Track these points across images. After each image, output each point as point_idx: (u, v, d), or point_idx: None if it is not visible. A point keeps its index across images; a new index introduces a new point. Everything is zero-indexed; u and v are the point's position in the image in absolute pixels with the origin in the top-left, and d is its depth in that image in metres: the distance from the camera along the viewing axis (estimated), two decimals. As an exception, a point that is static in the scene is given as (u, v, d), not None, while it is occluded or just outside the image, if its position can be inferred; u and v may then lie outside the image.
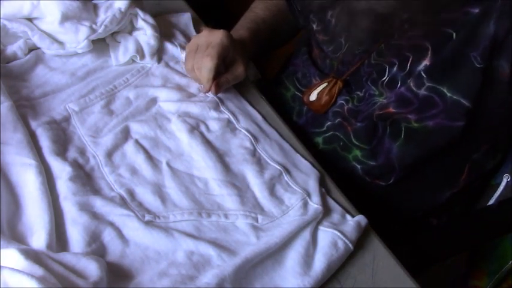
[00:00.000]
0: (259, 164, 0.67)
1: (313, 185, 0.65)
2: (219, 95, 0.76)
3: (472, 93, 0.64)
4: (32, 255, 0.49)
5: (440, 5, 0.62)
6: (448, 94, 0.66)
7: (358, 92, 0.75)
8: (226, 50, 0.73)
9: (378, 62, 0.70)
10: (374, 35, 0.66)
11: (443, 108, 0.67)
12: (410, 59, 0.67)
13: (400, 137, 0.72)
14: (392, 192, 0.78)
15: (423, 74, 0.66)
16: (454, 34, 0.62)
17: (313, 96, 0.78)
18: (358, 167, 0.76)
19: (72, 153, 0.66)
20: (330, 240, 0.58)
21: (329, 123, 0.78)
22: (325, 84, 0.77)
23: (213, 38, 0.73)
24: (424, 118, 0.69)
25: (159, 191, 0.63)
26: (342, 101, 0.76)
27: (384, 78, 0.70)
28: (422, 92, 0.67)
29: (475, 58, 0.63)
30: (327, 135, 0.78)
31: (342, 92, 0.76)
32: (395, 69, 0.68)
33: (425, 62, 0.66)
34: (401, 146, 0.73)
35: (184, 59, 0.77)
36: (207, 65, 0.71)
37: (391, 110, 0.70)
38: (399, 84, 0.69)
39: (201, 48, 0.73)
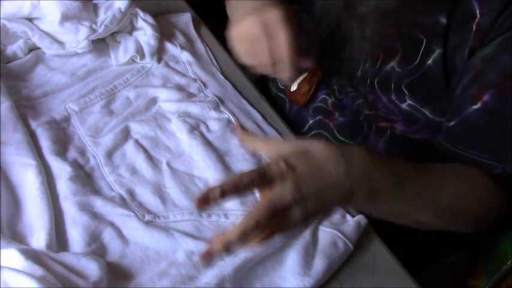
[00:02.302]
0: (259, 164, 0.67)
1: (313, 185, 0.65)
2: (219, 94, 0.76)
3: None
4: (32, 255, 0.49)
5: (413, 6, 0.61)
6: (431, 116, 0.66)
7: (335, 86, 0.74)
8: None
9: (355, 56, 0.70)
10: (350, 30, 0.65)
11: (425, 123, 0.67)
12: (381, 58, 0.66)
13: (386, 134, 0.72)
14: None
15: (405, 90, 0.66)
16: (424, 41, 0.61)
17: (294, 87, 0.78)
18: None
19: (72, 153, 0.66)
20: (330, 240, 0.58)
21: (311, 121, 0.77)
22: (305, 74, 0.77)
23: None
24: (409, 132, 0.70)
25: (159, 191, 0.63)
26: (324, 96, 0.76)
27: (357, 74, 0.70)
28: (404, 107, 0.67)
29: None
30: (308, 135, 0.78)
31: (321, 85, 0.76)
32: (367, 65, 0.68)
33: (393, 63, 0.65)
34: (388, 142, 0.73)
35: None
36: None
37: (381, 113, 0.71)
38: (368, 81, 0.68)
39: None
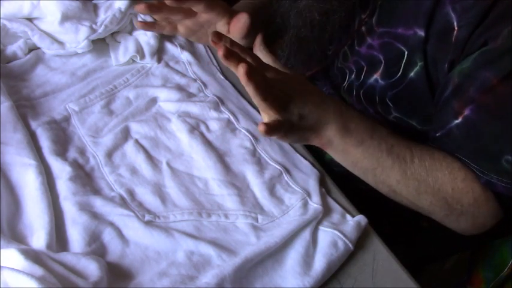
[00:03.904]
0: (259, 164, 0.67)
1: (313, 184, 0.65)
2: (219, 94, 0.76)
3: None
4: (32, 255, 0.50)
5: (396, 19, 0.61)
6: (419, 127, 0.66)
7: (326, 93, 0.74)
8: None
9: (342, 66, 0.70)
10: (335, 35, 0.66)
11: (415, 133, 0.66)
12: (365, 70, 0.66)
13: None
14: (375, 194, 0.77)
15: (389, 103, 0.66)
16: (406, 53, 0.61)
17: None
18: (335, 169, 0.75)
19: (72, 153, 0.66)
20: (330, 240, 0.58)
21: None
22: None
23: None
24: None
25: (159, 191, 0.63)
26: None
27: (344, 84, 0.70)
28: (391, 119, 0.67)
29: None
30: None
31: None
32: (353, 76, 0.68)
33: (377, 76, 0.65)
34: None
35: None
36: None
37: None
38: (354, 93, 0.69)
39: None
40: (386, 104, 0.66)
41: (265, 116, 0.55)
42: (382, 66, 0.64)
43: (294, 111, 0.54)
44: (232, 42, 0.53)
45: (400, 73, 0.63)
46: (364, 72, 0.66)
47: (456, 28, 0.56)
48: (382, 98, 0.66)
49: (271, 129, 0.52)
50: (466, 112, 0.56)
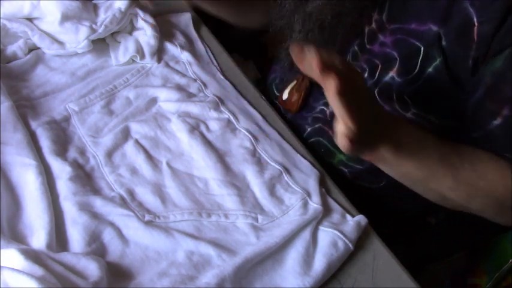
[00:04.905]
0: (259, 164, 0.67)
1: (313, 184, 0.65)
2: (219, 94, 0.76)
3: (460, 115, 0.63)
4: (32, 255, 0.50)
5: (408, 15, 0.61)
6: (437, 122, 0.66)
7: None
8: None
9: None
10: (345, 36, 0.65)
11: (431, 128, 0.66)
12: (379, 68, 0.66)
13: None
14: (386, 193, 0.77)
15: (408, 100, 0.65)
16: (422, 49, 0.60)
17: (285, 95, 0.78)
18: (345, 170, 0.75)
19: (72, 153, 0.66)
20: (330, 240, 0.58)
21: (309, 129, 0.76)
22: (294, 83, 0.76)
23: None
24: None
25: (159, 191, 0.63)
26: (322, 106, 0.74)
27: None
28: (409, 115, 0.67)
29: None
30: (306, 143, 0.76)
31: (315, 94, 0.75)
32: (366, 75, 0.68)
33: (392, 73, 0.65)
34: None
35: None
36: None
37: None
38: None
39: None
40: (405, 101, 0.65)
41: (341, 125, 0.50)
42: (397, 63, 0.64)
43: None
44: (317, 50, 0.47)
45: (417, 69, 0.62)
46: (378, 70, 0.66)
47: (476, 24, 0.55)
48: (399, 95, 0.65)
49: (352, 142, 0.49)
50: (505, 112, 0.56)
